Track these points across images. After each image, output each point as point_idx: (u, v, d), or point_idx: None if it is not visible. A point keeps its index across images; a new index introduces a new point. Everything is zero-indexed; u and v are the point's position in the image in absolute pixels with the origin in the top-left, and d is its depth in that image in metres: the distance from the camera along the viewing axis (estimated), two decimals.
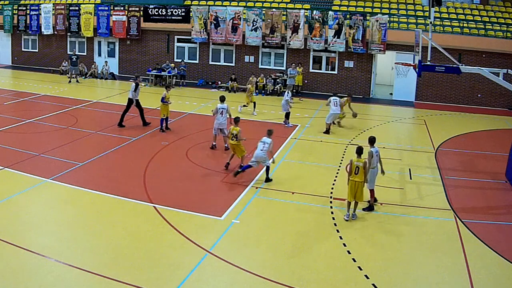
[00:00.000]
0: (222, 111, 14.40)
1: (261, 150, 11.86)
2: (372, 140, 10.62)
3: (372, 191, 10.67)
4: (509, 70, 12.94)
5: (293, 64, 23.87)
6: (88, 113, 19.33)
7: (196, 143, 15.30)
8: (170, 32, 27.48)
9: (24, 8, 30.53)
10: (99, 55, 29.60)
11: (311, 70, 25.56)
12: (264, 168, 12.13)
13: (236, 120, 13.07)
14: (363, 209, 10.57)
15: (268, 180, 12.04)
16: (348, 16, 23.75)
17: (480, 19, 24.38)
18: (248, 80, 22.35)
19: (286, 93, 18.43)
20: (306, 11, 24.55)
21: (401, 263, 8.59)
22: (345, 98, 18.27)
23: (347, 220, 10.07)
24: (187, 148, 14.73)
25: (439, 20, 23.59)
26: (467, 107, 23.16)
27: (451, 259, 8.72)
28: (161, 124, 16.46)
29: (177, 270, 8.00)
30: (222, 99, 14.76)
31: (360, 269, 8.24)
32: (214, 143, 14.71)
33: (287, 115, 17.99)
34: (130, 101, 16.92)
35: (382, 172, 10.86)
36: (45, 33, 30.08)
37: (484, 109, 22.89)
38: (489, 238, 9.52)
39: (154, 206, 10.44)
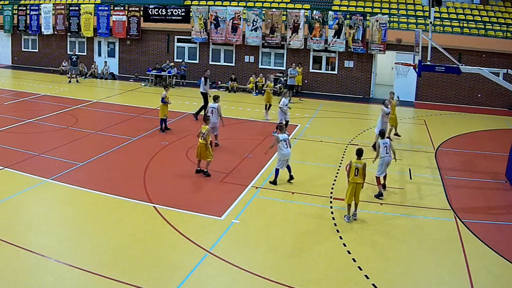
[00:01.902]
0: (212, 110, 14.51)
1: (287, 148, 11.84)
2: (382, 133, 12.28)
3: (377, 179, 11.59)
4: (509, 70, 12.94)
5: (293, 64, 23.87)
6: (88, 113, 19.33)
7: (196, 143, 15.24)
8: (170, 32, 27.47)
9: (24, 8, 30.51)
10: (99, 55, 29.59)
11: (311, 70, 25.55)
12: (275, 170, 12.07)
13: (206, 119, 12.83)
14: (375, 196, 11.39)
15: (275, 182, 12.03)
16: (348, 16, 23.74)
17: (480, 19, 24.38)
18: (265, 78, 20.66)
19: (282, 98, 16.29)
20: (306, 11, 24.54)
21: (401, 263, 8.59)
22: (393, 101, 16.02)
23: (348, 222, 10.08)
24: (187, 148, 14.73)
25: (439, 20, 23.58)
26: (467, 107, 23.16)
27: (451, 259, 8.72)
28: (160, 124, 16.46)
29: (177, 270, 8.00)
30: (215, 99, 14.82)
31: (360, 269, 8.24)
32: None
33: (286, 124, 15.69)
34: (203, 94, 18.29)
35: (395, 159, 11.85)
36: (45, 33, 30.05)
37: (484, 109, 22.88)
38: (489, 238, 9.52)
39: (154, 206, 10.44)
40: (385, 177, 11.85)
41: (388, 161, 11.60)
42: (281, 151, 11.78)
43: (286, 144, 11.80)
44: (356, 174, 10.01)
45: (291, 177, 12.12)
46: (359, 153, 10.23)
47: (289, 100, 17.19)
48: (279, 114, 16.28)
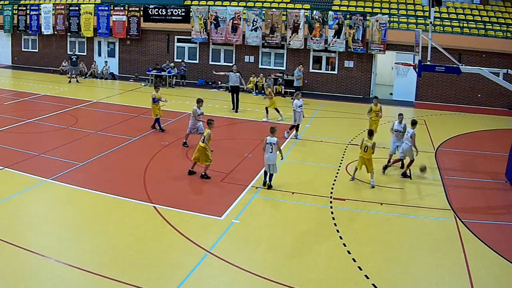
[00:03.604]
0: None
1: (271, 152, 11.40)
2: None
3: (410, 161, 12.89)
4: (509, 70, 12.93)
5: (300, 65, 23.71)
6: (88, 113, 19.32)
7: (196, 143, 15.24)
8: (170, 32, 27.47)
9: (24, 8, 30.51)
10: (99, 55, 29.59)
11: (311, 70, 25.53)
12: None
13: (209, 123, 12.47)
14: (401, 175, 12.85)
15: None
16: (348, 16, 23.74)
17: (480, 19, 24.38)
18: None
19: (295, 100, 16.15)
20: (306, 11, 24.54)
21: (401, 263, 8.59)
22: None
23: (351, 180, 12.07)
24: (187, 148, 14.72)
25: (439, 20, 23.58)
26: (467, 107, 23.16)
27: (451, 259, 8.72)
28: (159, 124, 16.44)
29: (177, 270, 8.00)
30: (197, 102, 14.75)
31: (360, 269, 8.24)
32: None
33: (297, 127, 16.16)
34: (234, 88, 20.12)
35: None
36: (45, 33, 30.05)
37: (484, 109, 22.88)
38: (489, 238, 9.52)
39: (154, 206, 10.44)
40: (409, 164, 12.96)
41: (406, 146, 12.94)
42: (265, 154, 11.51)
43: (271, 148, 11.39)
44: (365, 150, 11.60)
45: (268, 186, 11.62)
46: (370, 133, 11.94)
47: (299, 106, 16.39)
48: (293, 116, 16.09)
